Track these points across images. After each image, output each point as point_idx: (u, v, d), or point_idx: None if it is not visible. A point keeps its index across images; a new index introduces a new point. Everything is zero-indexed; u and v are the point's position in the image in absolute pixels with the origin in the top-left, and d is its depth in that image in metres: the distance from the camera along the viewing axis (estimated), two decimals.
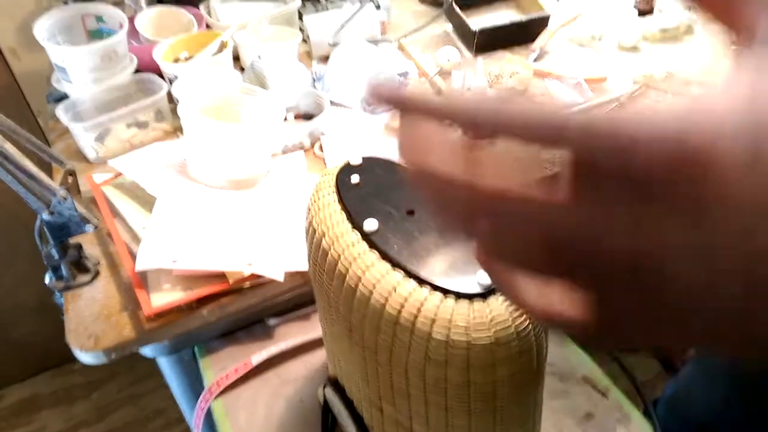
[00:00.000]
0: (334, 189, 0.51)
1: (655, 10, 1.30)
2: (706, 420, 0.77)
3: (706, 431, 0.77)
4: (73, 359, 0.71)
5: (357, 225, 0.47)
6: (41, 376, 1.78)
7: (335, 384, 0.58)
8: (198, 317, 0.72)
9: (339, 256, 0.46)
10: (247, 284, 0.73)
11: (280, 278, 0.72)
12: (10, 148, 0.67)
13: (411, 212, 0.48)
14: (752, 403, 0.70)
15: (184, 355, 0.80)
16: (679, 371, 1.59)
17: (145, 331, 0.70)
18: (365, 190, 0.51)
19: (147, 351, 0.75)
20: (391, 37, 1.26)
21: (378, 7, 1.27)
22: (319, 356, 0.75)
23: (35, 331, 1.68)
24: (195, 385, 0.81)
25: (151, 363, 0.82)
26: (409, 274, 0.43)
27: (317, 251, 0.49)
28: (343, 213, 0.49)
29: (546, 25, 1.23)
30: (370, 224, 0.47)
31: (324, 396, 0.63)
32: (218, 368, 0.74)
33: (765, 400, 0.68)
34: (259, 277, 0.73)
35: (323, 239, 0.48)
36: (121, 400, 1.71)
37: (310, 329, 0.77)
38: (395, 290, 0.42)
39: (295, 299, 0.79)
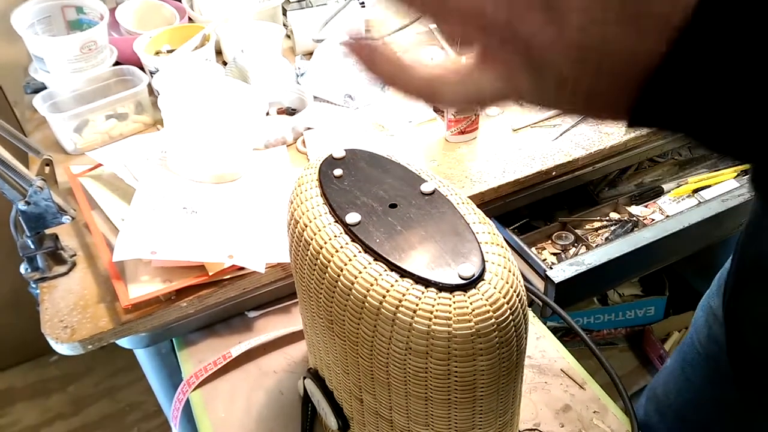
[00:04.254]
0: (316, 181, 0.51)
1: None
2: (681, 409, 0.79)
3: (681, 420, 0.79)
4: (49, 352, 0.71)
5: (339, 217, 0.47)
6: (16, 369, 1.75)
7: (315, 375, 0.58)
8: (176, 309, 0.72)
9: (321, 248, 0.46)
10: (227, 276, 0.73)
11: (262, 270, 0.72)
12: None
13: (393, 205, 0.48)
14: (723, 395, 0.72)
15: (162, 348, 0.79)
16: (656, 365, 1.62)
17: (122, 323, 0.70)
18: (348, 182, 0.51)
19: (125, 343, 0.74)
20: (375, 34, 1.26)
21: (362, 4, 1.27)
22: (299, 349, 0.75)
23: (10, 324, 1.65)
24: (173, 377, 0.81)
25: (129, 356, 0.81)
26: (391, 267, 0.43)
27: (299, 243, 0.49)
28: (326, 205, 0.49)
29: None
30: (353, 217, 0.47)
31: (304, 387, 0.63)
32: (196, 361, 0.74)
33: (735, 393, 0.69)
34: (239, 269, 0.73)
35: (305, 231, 0.48)
36: (97, 394, 1.69)
37: (290, 322, 0.77)
38: (377, 282, 0.43)
39: (275, 292, 0.78)
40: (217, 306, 0.75)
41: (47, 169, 0.78)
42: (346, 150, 0.54)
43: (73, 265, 0.78)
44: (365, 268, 0.44)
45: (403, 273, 0.43)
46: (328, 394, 0.57)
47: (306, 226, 0.48)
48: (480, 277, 0.42)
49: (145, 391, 1.63)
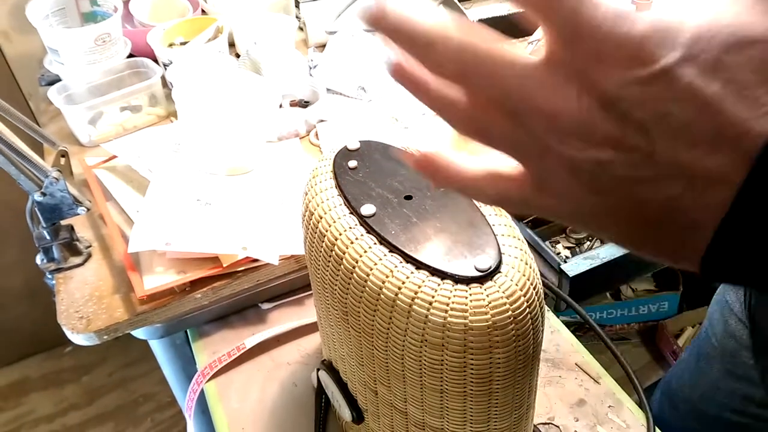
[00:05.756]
0: (331, 173, 0.51)
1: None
2: (696, 403, 0.79)
3: (694, 413, 0.79)
4: (63, 343, 0.71)
5: (354, 209, 0.47)
6: (31, 360, 1.77)
7: (329, 367, 0.58)
8: (191, 300, 0.72)
9: (336, 239, 0.46)
10: (241, 268, 0.73)
11: (275, 262, 0.72)
12: (2, 128, 0.67)
13: (409, 197, 0.48)
14: (737, 389, 0.71)
15: (176, 339, 0.80)
16: (670, 361, 1.61)
17: (137, 314, 0.70)
18: (363, 174, 0.51)
19: (139, 333, 0.75)
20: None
21: None
22: (313, 341, 0.75)
23: (25, 315, 1.67)
24: (188, 368, 0.81)
25: (143, 347, 0.82)
26: (407, 259, 0.43)
27: (314, 235, 0.49)
28: (341, 197, 0.49)
29: None
30: (368, 209, 0.47)
31: (318, 379, 0.63)
32: (210, 352, 0.74)
33: (748, 386, 0.69)
34: (253, 260, 0.73)
35: (320, 223, 0.48)
36: (111, 384, 1.71)
37: (304, 314, 0.77)
38: (392, 273, 0.43)
39: (289, 284, 0.78)
40: (231, 297, 0.75)
41: (63, 161, 0.78)
42: (360, 141, 0.54)
43: (89, 256, 0.78)
44: (380, 259, 0.43)
45: (419, 265, 0.42)
46: (342, 386, 0.57)
47: (321, 218, 0.48)
48: (497, 270, 0.41)
49: (158, 381, 1.65)
